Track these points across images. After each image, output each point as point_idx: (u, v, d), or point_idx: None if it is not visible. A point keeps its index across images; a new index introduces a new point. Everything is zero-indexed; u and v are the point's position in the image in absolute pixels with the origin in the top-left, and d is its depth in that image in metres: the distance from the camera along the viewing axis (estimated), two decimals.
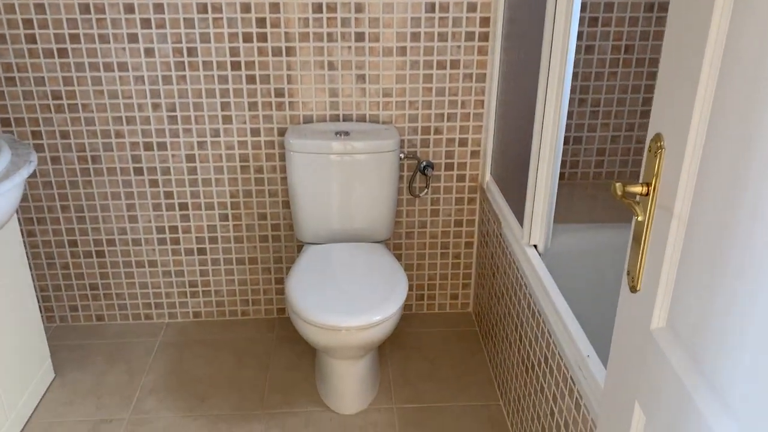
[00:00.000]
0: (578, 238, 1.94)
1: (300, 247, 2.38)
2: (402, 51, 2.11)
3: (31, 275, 2.34)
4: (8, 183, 1.54)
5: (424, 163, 2.26)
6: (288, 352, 2.31)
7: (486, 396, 2.10)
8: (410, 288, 2.50)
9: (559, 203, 2.16)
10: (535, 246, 1.78)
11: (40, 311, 2.40)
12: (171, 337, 2.38)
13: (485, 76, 2.17)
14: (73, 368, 2.21)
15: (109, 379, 2.16)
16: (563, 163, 2.36)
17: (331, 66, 2.12)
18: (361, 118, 2.20)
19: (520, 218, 1.86)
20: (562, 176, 2.37)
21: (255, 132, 2.19)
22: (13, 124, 2.11)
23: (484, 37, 2.12)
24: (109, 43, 2.03)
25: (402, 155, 2.23)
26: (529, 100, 1.76)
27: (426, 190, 2.30)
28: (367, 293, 1.88)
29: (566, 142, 2.31)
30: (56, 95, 2.08)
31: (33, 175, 2.19)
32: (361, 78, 2.14)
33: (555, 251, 1.88)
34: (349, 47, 2.10)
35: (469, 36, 2.11)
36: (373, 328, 1.78)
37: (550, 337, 1.53)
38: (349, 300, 1.83)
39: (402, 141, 2.25)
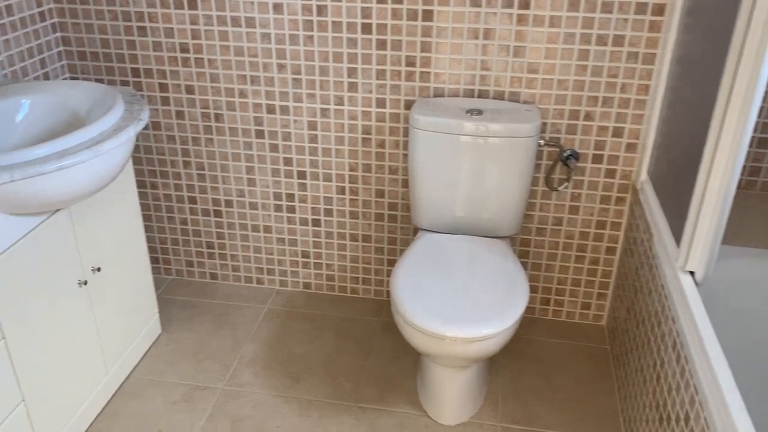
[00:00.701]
0: (751, 266, 1.58)
1: (416, 232, 2.19)
2: (556, 21, 1.81)
3: (153, 228, 2.36)
4: (113, 141, 1.48)
5: (568, 153, 1.96)
6: (391, 341, 2.15)
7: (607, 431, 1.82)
8: (535, 290, 2.23)
9: (729, 218, 1.78)
10: (692, 273, 1.45)
11: (159, 263, 2.43)
12: (278, 305, 2.31)
13: (654, 57, 1.81)
14: (180, 326, 2.21)
15: (212, 343, 2.13)
16: (741, 169, 1.95)
17: (472, 34, 1.86)
18: (499, 96, 1.94)
19: (678, 234, 1.53)
20: (737, 184, 1.97)
21: (380, 103, 2.00)
22: (142, 74, 2.08)
23: (659, 10, 1.76)
24: None
25: (542, 141, 1.94)
26: (709, 90, 1.41)
27: (566, 183, 2.00)
28: (482, 299, 1.65)
29: (749, 143, 1.90)
30: (184, 48, 2.02)
31: (158, 127, 2.17)
32: (504, 49, 1.87)
33: (718, 281, 1.53)
34: (494, 14, 1.83)
35: (641, 8, 1.76)
36: (483, 341, 1.56)
37: (696, 394, 1.23)
38: (459, 304, 1.62)
39: (544, 125, 1.96)
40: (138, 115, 1.60)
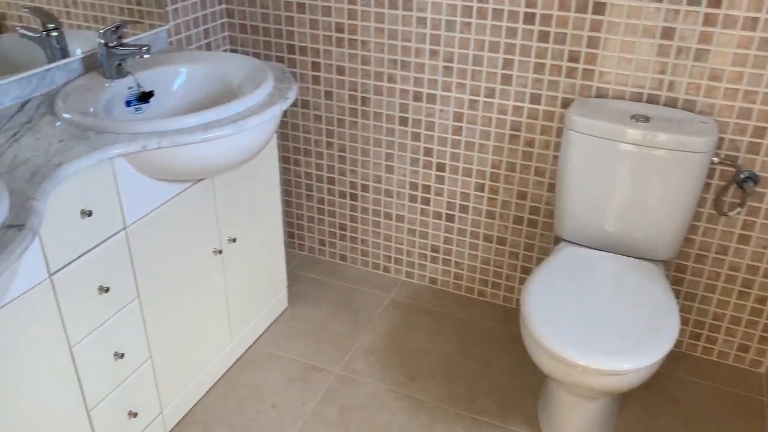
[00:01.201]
0: None
1: (557, 241, 2.03)
2: (751, 23, 1.57)
3: (291, 203, 2.39)
4: (258, 118, 1.48)
5: (746, 174, 1.72)
6: (516, 353, 2.02)
7: None
8: (686, 322, 2.00)
9: None
10: None
11: (293, 239, 2.46)
12: (402, 297, 2.26)
13: None
14: (306, 303, 2.22)
15: (333, 325, 2.12)
16: None
17: (648, 33, 1.66)
18: (672, 103, 1.73)
19: None
20: None
21: (535, 98, 1.86)
22: (297, 51, 2.09)
23: None
24: None
25: (716, 159, 1.71)
26: None
27: (739, 209, 1.75)
28: (624, 328, 1.49)
29: None
30: (339, 28, 1.99)
31: (306, 106, 2.17)
32: (683, 51, 1.65)
33: None
34: (677, 11, 1.62)
35: None
36: (620, 376, 1.40)
37: None
38: (597, 330, 1.47)
39: (720, 140, 1.72)
40: (285, 94, 1.59)
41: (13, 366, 1.22)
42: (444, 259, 2.24)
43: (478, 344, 2.06)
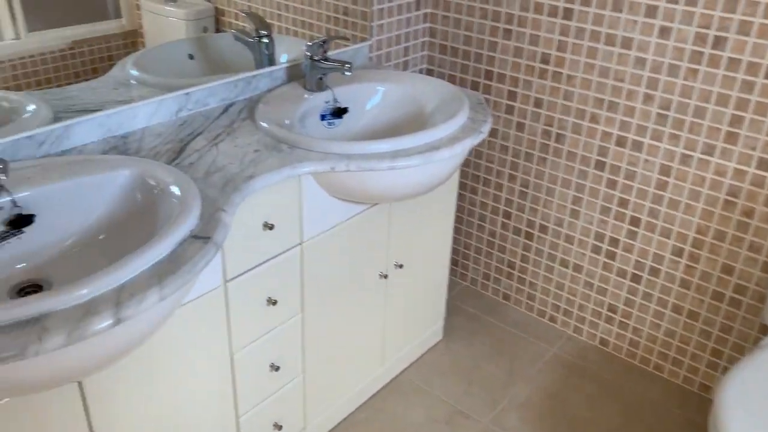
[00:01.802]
0: None
1: (763, 330, 1.74)
2: None
3: (461, 230, 2.30)
4: (447, 151, 1.40)
5: None
6: None
7: None
8: None
9: None
10: None
11: (457, 266, 2.37)
12: (567, 352, 2.08)
13: None
14: (461, 339, 2.12)
15: (487, 368, 2.00)
16: None
17: None
18: None
19: None
20: None
21: (763, 164, 1.60)
22: (494, 78, 1.99)
23: None
24: (621, 12, 1.68)
25: None
26: None
27: None
28: None
29: None
30: (545, 59, 1.86)
31: (494, 134, 2.07)
32: None
33: None
34: None
35: None
36: None
37: None
38: None
39: None
40: (479, 128, 1.50)
41: (179, 364, 1.24)
42: (621, 321, 2.03)
43: (646, 425, 1.83)
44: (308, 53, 1.59)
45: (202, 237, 1.04)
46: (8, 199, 1.10)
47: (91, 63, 1.52)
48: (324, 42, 1.58)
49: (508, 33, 1.91)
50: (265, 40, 1.67)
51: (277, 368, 1.48)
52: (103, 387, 1.12)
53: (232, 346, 1.35)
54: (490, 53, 1.97)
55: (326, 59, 1.59)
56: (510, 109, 2.00)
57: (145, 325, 0.97)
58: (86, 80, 1.43)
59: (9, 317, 0.85)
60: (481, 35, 1.96)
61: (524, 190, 2.07)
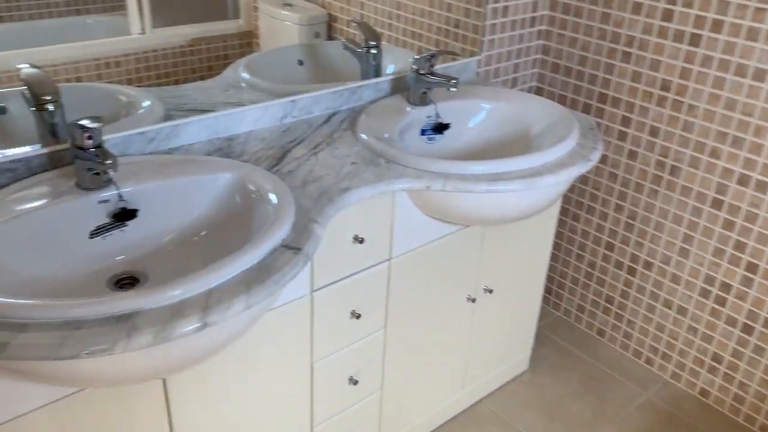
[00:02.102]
0: None
1: None
2: None
3: (558, 258, 2.20)
4: (552, 178, 1.33)
5: None
6: None
7: None
8: None
9: None
10: None
11: (550, 295, 2.27)
12: (662, 399, 1.94)
13: None
14: (547, 372, 2.03)
15: (573, 406, 1.90)
16: None
17: None
18: None
19: None
20: None
21: None
22: (608, 102, 1.89)
23: None
24: (756, 41, 1.55)
25: None
26: None
27: None
28: None
29: None
30: (665, 86, 1.75)
31: (604, 161, 1.96)
32: None
33: None
34: None
35: None
36: None
37: None
38: None
39: None
40: (588, 155, 1.42)
41: (260, 368, 1.25)
42: (726, 373, 1.87)
43: None
44: (414, 66, 1.57)
45: (293, 247, 1.04)
46: (115, 192, 1.14)
47: (207, 61, 1.57)
48: (431, 56, 1.56)
49: (627, 56, 1.80)
50: (373, 51, 1.67)
51: (356, 382, 1.47)
52: (185, 384, 1.14)
53: (313, 356, 1.35)
54: (606, 75, 1.87)
55: (432, 73, 1.56)
56: (623, 136, 1.89)
57: (228, 331, 0.97)
58: (201, 78, 1.47)
59: (104, 311, 0.87)
60: (598, 56, 1.87)
61: (631, 222, 1.95)
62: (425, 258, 1.47)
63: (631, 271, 2.00)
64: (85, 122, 1.08)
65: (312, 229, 1.09)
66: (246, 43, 1.66)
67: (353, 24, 1.76)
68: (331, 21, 1.76)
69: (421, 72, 1.56)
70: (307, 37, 1.74)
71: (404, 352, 1.56)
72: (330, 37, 1.80)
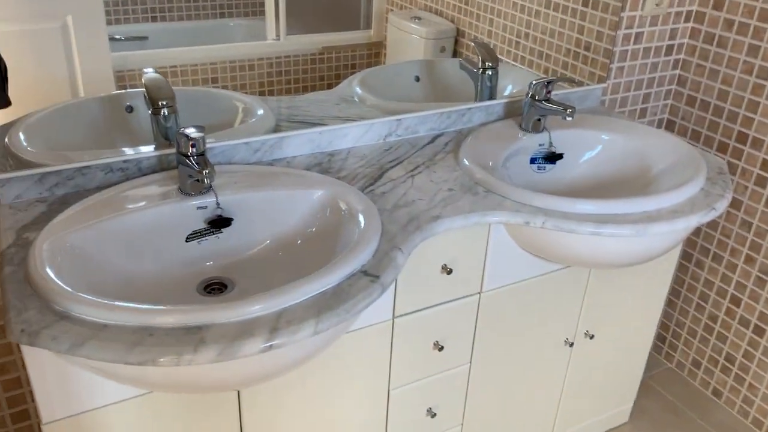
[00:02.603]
0: None
1: None
2: None
3: (675, 305, 2.02)
4: (665, 226, 1.21)
5: None
6: None
7: None
8: None
9: None
10: None
11: (662, 344, 2.09)
12: None
13: None
14: (650, 426, 1.86)
15: None
16: None
17: None
18: None
19: None
20: None
21: None
22: (747, 143, 1.70)
23: None
24: None
25: None
26: None
27: None
28: None
29: None
30: None
31: (736, 205, 1.77)
32: None
33: None
34: None
35: None
36: None
37: None
38: None
39: None
40: (713, 203, 1.28)
41: (336, 389, 1.24)
42: None
43: None
44: (530, 92, 1.49)
45: (371, 275, 1.01)
46: (213, 200, 1.17)
47: (335, 69, 1.60)
48: (548, 83, 1.48)
49: None
50: (489, 72, 1.61)
51: (434, 414, 1.42)
52: (258, 398, 1.15)
53: (391, 382, 1.32)
54: (749, 114, 1.69)
55: (548, 100, 1.48)
56: (761, 181, 1.70)
57: (295, 354, 0.96)
58: (329, 85, 1.50)
59: (176, 322, 0.89)
60: (741, 92, 1.69)
61: (763, 277, 1.75)
62: (520, 295, 1.39)
63: (759, 331, 1.79)
64: (190, 131, 1.12)
65: (394, 256, 1.06)
66: (374, 53, 1.67)
67: (473, 44, 1.71)
68: (458, 36, 1.72)
69: (537, 98, 1.48)
70: (432, 51, 1.72)
71: (489, 390, 1.49)
72: (455, 52, 1.76)
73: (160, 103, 1.27)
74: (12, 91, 1.16)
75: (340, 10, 1.64)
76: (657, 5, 1.68)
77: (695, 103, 1.81)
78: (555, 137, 1.53)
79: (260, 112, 1.49)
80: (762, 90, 1.64)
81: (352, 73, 1.64)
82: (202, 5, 1.43)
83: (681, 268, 1.97)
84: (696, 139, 1.83)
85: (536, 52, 1.68)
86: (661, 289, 1.65)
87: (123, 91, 1.29)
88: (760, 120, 1.66)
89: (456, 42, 1.75)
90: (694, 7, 1.75)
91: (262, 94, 1.50)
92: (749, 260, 1.77)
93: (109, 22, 1.23)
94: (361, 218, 1.13)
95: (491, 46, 1.67)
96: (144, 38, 1.38)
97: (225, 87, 1.45)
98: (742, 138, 1.72)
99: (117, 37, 1.28)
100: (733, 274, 1.82)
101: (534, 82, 1.49)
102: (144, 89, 1.29)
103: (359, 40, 1.63)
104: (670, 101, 1.88)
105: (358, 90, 1.62)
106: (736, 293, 1.83)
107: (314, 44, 1.55)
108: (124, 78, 1.30)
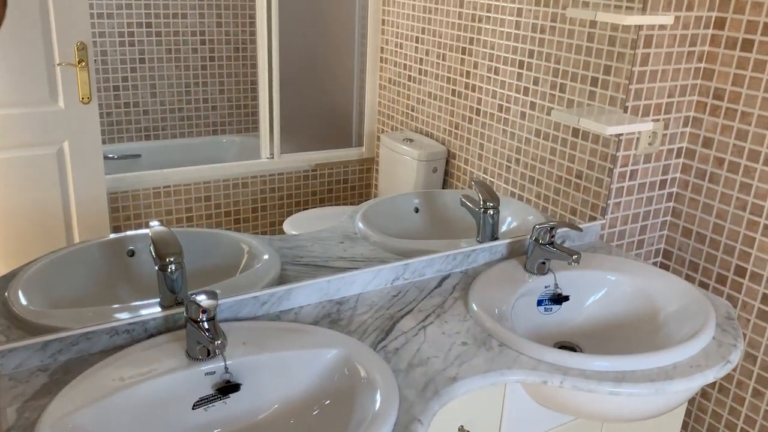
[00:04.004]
0: None
1: None
2: None
3: None
4: (683, 383, 1.19)
5: None
6: None
7: None
8: None
9: None
10: None
11: None
12: None
13: None
14: None
15: None
16: None
17: None
18: None
19: None
20: None
21: None
22: (747, 276, 1.72)
23: None
24: None
25: None
26: None
27: None
28: None
29: None
30: None
31: (755, 344, 1.76)
32: None
33: None
34: None
35: None
36: None
37: None
38: None
39: None
40: (727, 355, 1.27)
41: None
42: None
43: None
44: (534, 236, 1.51)
45: None
46: (222, 364, 1.13)
47: (328, 184, 1.61)
48: (551, 228, 1.49)
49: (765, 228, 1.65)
50: (491, 212, 1.63)
51: None
52: None
53: None
54: (745, 248, 1.72)
55: (552, 244, 1.49)
56: (763, 316, 1.70)
57: None
58: (321, 200, 1.52)
59: None
60: (736, 227, 1.73)
61: None
62: None
63: None
64: (201, 298, 1.09)
65: (413, 430, 1.02)
66: (366, 168, 1.69)
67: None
68: (449, 158, 1.76)
69: (541, 242, 1.50)
70: (425, 172, 1.75)
71: None
72: (447, 172, 1.79)
73: (167, 260, 1.25)
74: (3, 224, 1.13)
75: (332, 129, 1.68)
76: (650, 144, 1.74)
77: (691, 234, 1.84)
78: (560, 279, 1.53)
79: (266, 256, 1.48)
80: (756, 226, 1.68)
81: (345, 189, 1.66)
82: (195, 123, 1.44)
83: (688, 413, 1.94)
84: (694, 270, 1.85)
85: (527, 177, 1.72)
86: (674, 424, 1.61)
87: (122, 234, 1.28)
88: (758, 255, 1.69)
89: (447, 163, 1.79)
90: (684, 144, 1.81)
91: (255, 210, 1.50)
92: (757, 394, 1.75)
93: (102, 142, 1.23)
94: (377, 386, 1.09)
95: (483, 173, 1.71)
96: (137, 156, 1.38)
97: (218, 204, 1.45)
98: (740, 271, 1.74)
99: (110, 155, 1.27)
100: (741, 407, 1.79)
101: (537, 226, 1.50)
102: (151, 244, 1.28)
103: (351, 157, 1.65)
104: (666, 232, 1.91)
105: (361, 225, 1.63)
106: (745, 427, 1.79)
107: (307, 161, 1.57)
108: (117, 200, 1.30)
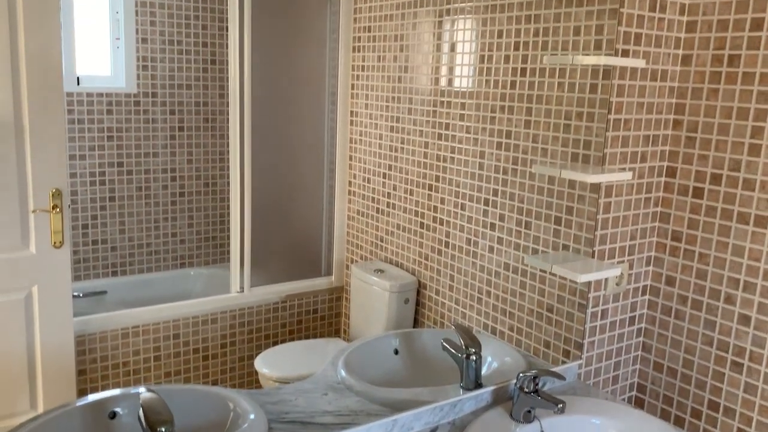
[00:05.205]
0: None
1: None
2: None
3: None
4: None
5: None
6: None
7: None
8: None
9: None
10: None
11: None
12: None
13: None
14: None
15: None
16: None
17: None
18: None
19: None
20: None
21: None
22: (720, 410, 1.77)
23: None
24: None
25: None
26: None
27: None
28: None
29: None
30: None
31: None
32: None
33: None
34: None
35: None
36: None
37: None
38: None
39: None
40: None
41: None
42: None
43: None
44: (518, 383, 1.54)
45: None
46: None
47: (298, 315, 1.61)
48: (535, 377, 1.53)
49: (737, 366, 1.73)
50: (473, 357, 1.66)
51: None
52: None
53: None
54: (716, 383, 1.78)
55: (537, 392, 1.52)
56: None
57: None
58: (290, 332, 1.53)
59: None
60: (705, 362, 1.80)
61: None
62: None
63: None
64: None
65: None
66: (336, 297, 1.70)
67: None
68: (420, 288, 1.80)
69: (526, 390, 1.53)
70: (397, 302, 1.78)
71: None
72: (418, 302, 1.82)
73: (159, 429, 1.23)
74: None
75: (302, 259, 1.71)
76: (617, 284, 1.83)
77: (663, 368, 1.90)
78: (546, 425, 1.55)
79: (252, 416, 1.46)
80: (724, 361, 1.75)
81: (315, 319, 1.66)
82: (163, 257, 1.45)
83: None
84: (669, 404, 1.89)
85: (499, 309, 1.77)
86: None
87: (103, 396, 1.25)
88: (728, 390, 1.75)
89: (418, 293, 1.82)
90: (649, 282, 1.91)
91: (224, 346, 1.49)
92: None
93: None
94: None
95: (455, 304, 1.75)
96: (103, 293, 1.37)
97: (186, 342, 1.43)
98: (713, 406, 1.79)
99: (75, 293, 1.25)
100: None
101: (521, 374, 1.54)
102: (140, 413, 1.25)
103: (321, 286, 1.68)
104: (638, 366, 1.97)
105: (343, 373, 1.63)
106: None
107: (277, 293, 1.58)
108: (84, 342, 1.27)
